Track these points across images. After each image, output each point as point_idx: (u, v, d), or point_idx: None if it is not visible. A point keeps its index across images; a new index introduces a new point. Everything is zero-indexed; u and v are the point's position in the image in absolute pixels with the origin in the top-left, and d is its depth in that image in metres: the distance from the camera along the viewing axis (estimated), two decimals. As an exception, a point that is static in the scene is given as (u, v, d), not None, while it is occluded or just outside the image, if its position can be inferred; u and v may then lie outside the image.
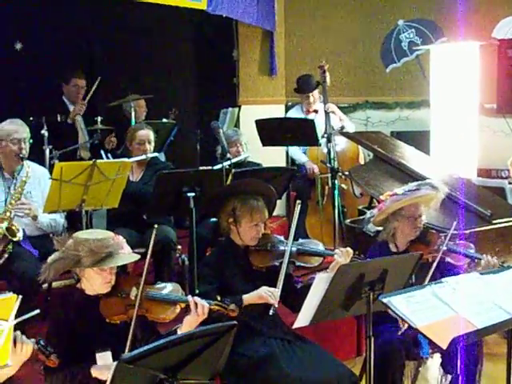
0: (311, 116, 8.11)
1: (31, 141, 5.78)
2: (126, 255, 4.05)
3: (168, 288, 4.18)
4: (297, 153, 8.10)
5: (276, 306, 4.41)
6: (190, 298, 4.02)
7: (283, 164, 8.59)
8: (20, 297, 3.09)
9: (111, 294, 4.02)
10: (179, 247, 6.50)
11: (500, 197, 6.87)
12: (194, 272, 5.63)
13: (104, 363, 3.80)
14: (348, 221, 7.09)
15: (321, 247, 4.92)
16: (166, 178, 5.77)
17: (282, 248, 4.66)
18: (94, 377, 3.78)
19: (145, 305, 3.99)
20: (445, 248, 4.78)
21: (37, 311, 3.23)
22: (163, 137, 7.61)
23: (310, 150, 8.03)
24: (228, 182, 5.89)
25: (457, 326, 3.29)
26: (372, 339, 3.92)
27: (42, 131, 6.87)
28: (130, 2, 7.30)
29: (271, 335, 4.53)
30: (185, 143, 8.42)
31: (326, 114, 7.53)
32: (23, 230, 5.43)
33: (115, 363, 2.91)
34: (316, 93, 8.14)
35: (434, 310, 3.37)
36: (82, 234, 4.00)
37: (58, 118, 7.42)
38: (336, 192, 7.07)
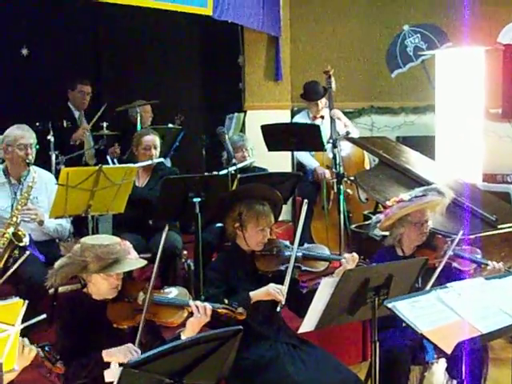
0: (318, 122, 8.11)
1: (37, 146, 5.79)
2: (133, 261, 4.07)
3: (175, 292, 4.19)
4: (307, 157, 8.08)
5: (283, 302, 4.40)
6: (191, 302, 4.04)
7: (289, 169, 8.60)
8: (26, 302, 3.10)
9: (118, 299, 4.04)
10: (185, 252, 6.51)
11: (505, 202, 6.88)
12: (200, 277, 5.64)
13: (111, 369, 3.81)
14: (353, 226, 7.09)
15: (326, 252, 4.92)
16: (172, 183, 5.79)
17: (287, 253, 4.66)
18: (105, 361, 3.81)
19: (152, 309, 4.00)
20: (451, 253, 4.78)
21: (43, 316, 3.24)
22: (169, 142, 7.63)
23: (315, 156, 8.03)
24: (234, 188, 5.91)
25: (461, 330, 3.29)
26: (377, 344, 3.93)
27: (49, 137, 6.90)
28: (136, 7, 7.32)
29: (276, 340, 4.53)
30: (191, 148, 8.44)
31: (332, 119, 7.54)
32: (29, 235, 5.44)
33: (121, 368, 2.92)
34: (323, 100, 8.14)
35: (439, 314, 3.37)
36: (88, 240, 4.01)
37: (64, 124, 7.44)
38: (341, 197, 7.08)
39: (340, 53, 9.99)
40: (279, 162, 7.95)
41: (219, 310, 4.03)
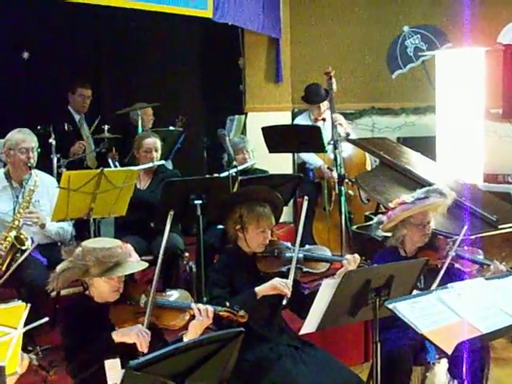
0: (319, 124, 8.11)
1: (39, 150, 5.81)
2: (135, 263, 4.08)
3: (177, 295, 4.21)
4: (311, 157, 8.10)
5: (289, 295, 4.41)
6: (193, 305, 4.05)
7: (290, 171, 8.61)
8: (29, 305, 3.12)
9: (120, 302, 4.05)
10: (187, 254, 6.53)
11: (506, 202, 6.89)
12: (202, 279, 5.65)
13: (113, 371, 3.83)
14: (355, 227, 7.11)
15: (328, 253, 4.93)
16: (173, 185, 5.80)
17: (288, 254, 4.67)
18: (117, 342, 3.83)
19: (154, 312, 4.01)
20: (453, 254, 4.80)
21: (45, 319, 3.26)
22: (170, 145, 7.64)
23: (317, 156, 8.04)
24: (235, 190, 5.92)
25: (462, 331, 3.30)
26: (378, 345, 3.94)
27: (50, 140, 6.91)
28: (137, 11, 7.33)
29: (278, 341, 4.54)
30: (192, 151, 8.46)
31: (333, 123, 7.53)
32: (31, 238, 5.45)
33: (123, 370, 2.93)
34: (325, 102, 8.13)
35: (439, 315, 3.39)
36: (89, 244, 4.02)
37: (66, 127, 7.45)
38: (343, 198, 7.09)
39: (340, 54, 10.00)
40: (280, 164, 7.95)
41: (221, 313, 4.04)
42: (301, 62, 9.87)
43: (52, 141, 6.92)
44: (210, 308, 4.01)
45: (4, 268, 5.18)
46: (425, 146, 8.80)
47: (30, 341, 4.56)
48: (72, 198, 5.34)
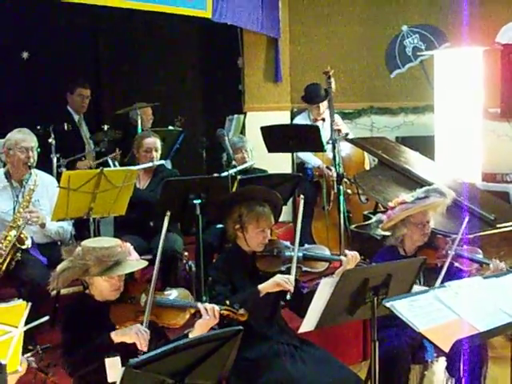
0: (318, 124, 8.11)
1: (39, 150, 5.82)
2: (134, 262, 4.10)
3: (177, 294, 4.23)
4: (309, 156, 8.11)
5: (292, 291, 4.42)
6: (199, 304, 4.07)
7: (289, 170, 8.61)
8: (29, 304, 3.14)
9: (121, 301, 4.07)
10: (186, 254, 6.55)
11: (505, 201, 6.90)
12: (201, 278, 5.67)
13: (113, 369, 3.85)
14: (353, 226, 7.12)
15: (327, 252, 4.95)
16: (173, 185, 5.81)
17: (288, 253, 4.69)
18: (117, 342, 3.85)
19: (154, 311, 4.03)
20: (453, 253, 4.82)
21: (46, 318, 3.28)
22: (169, 144, 7.64)
23: (316, 156, 8.06)
24: (234, 189, 5.93)
25: (459, 329, 3.32)
26: (377, 343, 3.94)
27: (50, 140, 6.92)
28: (135, 11, 7.35)
29: (277, 340, 4.55)
30: (191, 150, 8.46)
31: (332, 122, 7.54)
32: (31, 237, 5.47)
33: (123, 368, 2.95)
34: (325, 102, 8.13)
35: (437, 313, 3.40)
36: (89, 243, 4.04)
37: (65, 127, 7.46)
38: (341, 197, 7.10)
39: (339, 54, 9.99)
40: (279, 164, 7.96)
41: (221, 312, 4.06)
42: (300, 62, 9.87)
43: (52, 141, 6.94)
44: (216, 307, 4.03)
45: (4, 267, 5.21)
46: (423, 145, 8.83)
47: (30, 340, 4.59)
48: (72, 197, 5.35)
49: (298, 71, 9.79)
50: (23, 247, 5.32)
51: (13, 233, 5.31)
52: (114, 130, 7.81)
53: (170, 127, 8.36)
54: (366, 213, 7.37)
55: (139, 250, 4.37)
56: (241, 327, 3.30)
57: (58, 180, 5.65)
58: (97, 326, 3.95)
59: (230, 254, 4.85)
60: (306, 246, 4.95)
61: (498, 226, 5.98)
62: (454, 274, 4.82)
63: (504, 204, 6.68)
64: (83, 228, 5.95)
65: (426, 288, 3.92)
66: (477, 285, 3.73)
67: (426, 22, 10.12)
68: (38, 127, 6.84)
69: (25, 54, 8.56)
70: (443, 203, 5.15)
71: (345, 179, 7.25)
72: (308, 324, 3.92)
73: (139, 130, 7.68)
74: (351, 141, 7.52)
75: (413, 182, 6.30)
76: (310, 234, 7.87)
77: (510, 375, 3.94)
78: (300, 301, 4.55)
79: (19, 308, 3.12)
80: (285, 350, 4.49)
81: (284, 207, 5.24)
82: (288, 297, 4.43)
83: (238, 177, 6.15)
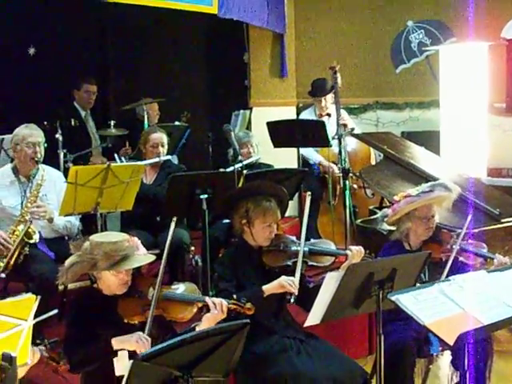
0: (324, 119, 8.11)
1: (46, 145, 5.85)
2: (142, 256, 4.12)
3: (184, 288, 4.25)
4: (310, 152, 8.13)
5: (296, 293, 4.44)
6: (207, 298, 4.10)
7: (295, 165, 8.62)
8: (39, 297, 3.17)
9: (129, 295, 4.09)
10: (192, 248, 6.56)
11: (510, 196, 6.90)
12: (208, 272, 5.69)
13: (121, 363, 3.88)
14: (359, 220, 7.14)
15: (332, 247, 4.97)
16: (179, 180, 5.83)
17: (294, 248, 4.70)
18: (115, 349, 3.87)
19: (162, 305, 4.06)
20: (458, 247, 4.83)
21: (55, 311, 3.31)
22: (176, 139, 7.67)
23: (321, 151, 8.07)
24: (240, 184, 5.95)
25: (464, 322, 3.33)
26: (382, 337, 3.97)
27: (57, 135, 6.95)
28: (142, 6, 7.37)
29: (284, 334, 4.57)
30: (197, 146, 8.48)
31: (338, 117, 7.55)
32: (39, 232, 5.50)
33: (131, 361, 2.98)
34: (329, 97, 8.15)
35: (442, 307, 3.41)
36: (96, 238, 4.07)
37: (72, 123, 7.49)
38: (347, 192, 7.10)
39: (345, 49, 10.01)
40: (285, 159, 7.97)
41: (228, 306, 4.08)
42: (305, 57, 9.89)
43: (58, 136, 6.96)
44: (224, 302, 4.06)
45: (12, 261, 5.23)
46: (429, 140, 8.84)
47: (37, 334, 4.62)
48: (79, 192, 5.37)
49: (304, 66, 9.81)
50: (31, 242, 5.34)
51: (21, 227, 5.34)
52: (120, 127, 7.86)
53: (177, 122, 8.38)
54: (371, 208, 7.40)
55: (146, 245, 4.39)
56: (248, 320, 3.32)
57: (65, 175, 5.67)
58: (104, 319, 3.98)
59: (237, 248, 4.86)
60: (312, 240, 4.96)
61: (503, 220, 6.00)
62: (458, 269, 4.82)
63: (509, 199, 6.68)
64: (90, 223, 5.98)
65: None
66: (481, 279, 3.74)
67: (432, 17, 10.14)
68: (45, 123, 6.86)
69: (31, 50, 8.56)
70: (448, 198, 5.15)
71: (350, 174, 7.26)
72: (314, 318, 3.95)
73: (146, 126, 7.71)
74: (357, 136, 7.53)
75: (418, 176, 6.31)
76: (315, 228, 7.88)
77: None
78: (306, 295, 4.56)
79: (28, 301, 3.15)
80: (291, 344, 4.51)
81: (290, 202, 5.26)
82: (292, 300, 4.47)
83: (245, 172, 6.17)
